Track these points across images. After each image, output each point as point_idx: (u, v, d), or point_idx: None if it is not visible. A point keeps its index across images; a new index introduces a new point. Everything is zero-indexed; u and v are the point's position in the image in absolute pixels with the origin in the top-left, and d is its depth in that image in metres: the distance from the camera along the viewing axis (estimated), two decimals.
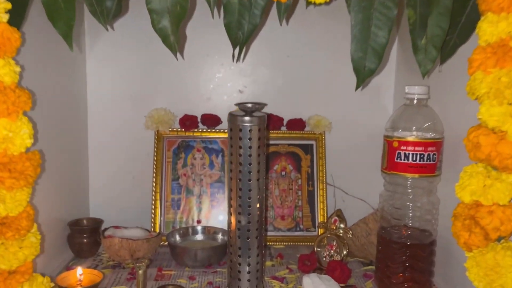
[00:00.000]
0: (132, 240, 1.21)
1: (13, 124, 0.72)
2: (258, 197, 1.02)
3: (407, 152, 1.07)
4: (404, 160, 1.07)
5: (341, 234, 1.23)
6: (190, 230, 1.37)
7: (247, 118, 0.99)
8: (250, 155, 1.00)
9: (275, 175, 1.49)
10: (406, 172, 1.07)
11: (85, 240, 1.28)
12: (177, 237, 1.34)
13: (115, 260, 1.25)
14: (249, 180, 1.01)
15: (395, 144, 1.08)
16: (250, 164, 1.00)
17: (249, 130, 0.99)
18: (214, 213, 1.45)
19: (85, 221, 1.36)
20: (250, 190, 1.01)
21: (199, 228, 1.38)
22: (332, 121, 1.50)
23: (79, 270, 1.02)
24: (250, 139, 0.99)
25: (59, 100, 1.28)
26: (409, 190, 1.10)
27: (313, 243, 1.42)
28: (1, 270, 0.74)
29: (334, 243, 1.24)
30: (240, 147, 1.00)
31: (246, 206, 1.01)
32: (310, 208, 1.47)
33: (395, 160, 1.08)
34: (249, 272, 1.03)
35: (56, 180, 1.25)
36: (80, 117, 1.45)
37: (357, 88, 0.87)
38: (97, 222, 1.35)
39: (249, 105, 1.00)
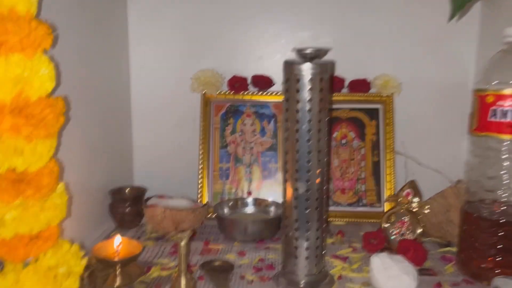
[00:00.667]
0: (176, 210, 1.10)
1: (28, 61, 0.60)
2: (319, 160, 0.87)
3: (504, 109, 0.86)
4: (500, 118, 0.87)
5: (415, 210, 1.05)
6: (240, 202, 1.24)
7: (306, 66, 0.83)
8: (309, 110, 0.84)
9: (334, 143, 1.32)
10: (503, 132, 0.87)
11: (127, 209, 1.18)
12: (226, 209, 1.21)
13: (158, 231, 1.14)
14: (308, 141, 0.85)
15: (490, 99, 0.87)
16: (309, 121, 0.84)
17: (309, 80, 0.83)
18: (266, 185, 1.31)
19: (127, 189, 1.26)
20: (309, 153, 0.85)
21: (249, 200, 1.24)
22: (402, 81, 1.30)
23: (118, 239, 0.92)
24: (311, 89, 0.83)
25: (101, 60, 1.18)
26: (505, 156, 0.89)
27: (377, 221, 1.25)
28: (20, 235, 0.63)
29: (406, 219, 1.06)
30: (298, 101, 0.84)
31: (304, 171, 0.86)
32: (375, 181, 1.29)
33: (489, 119, 0.88)
34: (307, 249, 0.88)
35: (98, 145, 1.15)
36: (122, 78, 1.35)
37: (451, 17, 0.68)
38: (140, 191, 1.25)
39: (309, 50, 0.83)
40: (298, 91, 0.84)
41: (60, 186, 0.70)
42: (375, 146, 1.30)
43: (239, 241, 1.11)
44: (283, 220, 0.91)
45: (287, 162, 0.88)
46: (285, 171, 0.88)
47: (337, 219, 1.27)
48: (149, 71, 1.38)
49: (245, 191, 1.31)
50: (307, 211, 0.87)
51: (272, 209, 1.20)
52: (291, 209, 0.88)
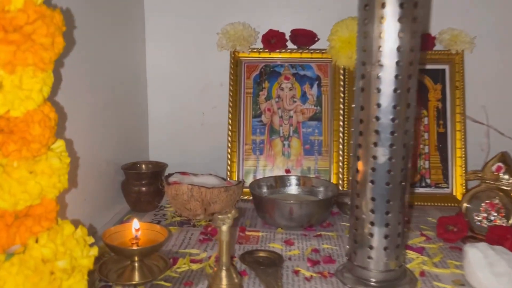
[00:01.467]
0: (205, 188, 0.89)
1: None
2: (407, 118, 0.65)
3: None
4: None
5: (508, 188, 0.83)
6: (280, 180, 1.03)
7: None
8: (399, 49, 0.62)
9: None
10: None
11: (144, 188, 0.97)
12: (264, 189, 1.00)
13: (182, 215, 0.93)
14: (395, 91, 0.63)
15: None
16: (398, 63, 0.62)
17: (401, 4, 0.61)
18: (308, 161, 1.09)
19: (143, 165, 1.05)
20: (395, 107, 0.63)
21: (292, 178, 1.02)
22: (475, 36, 1.08)
23: (135, 224, 0.71)
24: (402, 18, 0.61)
25: (115, 23, 0.96)
26: None
27: (444, 204, 1.03)
28: (1, 211, 0.42)
29: (497, 201, 0.84)
30: (381, 35, 0.62)
31: (387, 132, 0.64)
32: (441, 157, 1.07)
33: None
34: (386, 237, 0.66)
35: (107, 113, 0.94)
36: (136, 30, 1.13)
37: None
38: (159, 166, 1.04)
39: None
40: (382, 18, 0.61)
41: (59, 143, 0.48)
42: (441, 115, 1.08)
43: (283, 227, 0.90)
44: (352, 199, 0.69)
45: (361, 121, 0.66)
46: (359, 134, 0.67)
47: None
48: (168, 25, 1.16)
49: (283, 168, 1.09)
50: (389, 187, 0.65)
51: (321, 189, 0.98)
52: (365, 184, 0.66)
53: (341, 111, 1.09)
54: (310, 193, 1.00)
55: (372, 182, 0.65)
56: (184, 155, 1.19)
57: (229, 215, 0.61)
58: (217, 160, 1.15)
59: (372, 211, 0.66)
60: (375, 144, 0.64)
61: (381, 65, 0.62)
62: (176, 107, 1.19)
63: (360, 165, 0.67)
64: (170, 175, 0.99)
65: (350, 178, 0.71)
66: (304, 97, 1.11)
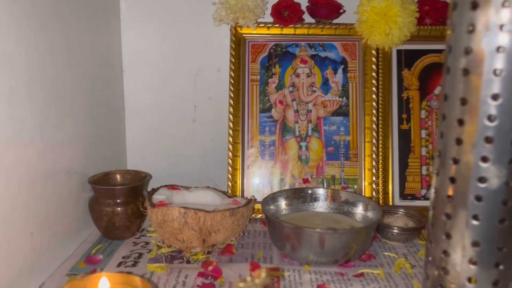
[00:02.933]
0: (204, 211, 0.64)
1: None
2: None
3: None
4: None
5: None
6: (300, 194, 0.78)
7: None
8: None
9: (436, 103, 0.86)
10: None
11: (119, 208, 0.72)
12: (281, 205, 0.76)
13: (171, 245, 0.68)
14: None
15: None
16: None
17: None
18: (332, 167, 0.85)
19: (118, 176, 0.80)
20: None
21: (318, 192, 0.78)
22: None
23: (104, 284, 0.46)
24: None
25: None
26: None
27: None
28: None
29: None
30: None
31: (507, 142, 0.40)
32: None
33: None
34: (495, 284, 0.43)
35: (65, 104, 0.68)
36: (108, 3, 0.87)
37: None
38: (140, 177, 0.79)
39: None
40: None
41: None
42: None
43: (310, 263, 0.66)
44: (434, 241, 0.45)
45: (461, 121, 0.42)
46: (455, 143, 0.43)
47: None
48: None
49: (300, 177, 0.85)
50: (503, 225, 0.41)
51: (358, 208, 0.74)
52: (461, 220, 0.42)
53: (374, 103, 0.85)
54: (342, 212, 0.76)
55: (476, 217, 0.42)
56: (173, 162, 0.94)
57: (256, 281, 0.37)
58: (215, 167, 0.91)
59: (473, 262, 0.42)
60: (485, 160, 0.41)
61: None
62: (161, 100, 0.94)
63: (451, 190, 0.43)
64: (154, 190, 0.74)
65: (431, 209, 0.47)
66: (326, 86, 0.87)
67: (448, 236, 0.44)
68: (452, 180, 0.43)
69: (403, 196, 0.84)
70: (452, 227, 0.43)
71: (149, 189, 0.79)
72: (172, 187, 0.76)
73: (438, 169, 0.45)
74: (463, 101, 0.41)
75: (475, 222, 0.42)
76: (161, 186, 0.75)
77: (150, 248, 0.71)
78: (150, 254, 0.69)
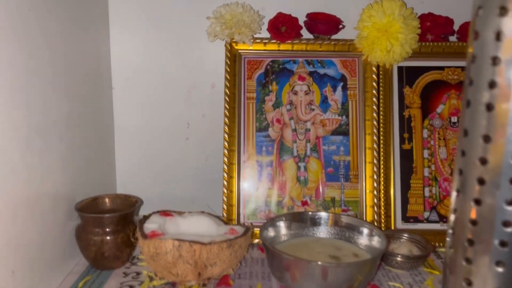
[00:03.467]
0: (200, 243, 0.60)
1: None
2: None
3: None
4: None
5: None
6: (299, 219, 0.75)
7: None
8: None
9: (438, 122, 0.83)
10: None
11: (108, 237, 0.68)
12: (282, 230, 0.72)
13: (164, 278, 0.64)
14: None
15: None
16: None
17: None
18: (332, 189, 0.82)
19: (107, 201, 0.76)
20: None
21: (321, 216, 0.74)
22: None
23: None
24: None
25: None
26: None
27: None
28: None
29: None
30: None
31: None
32: None
33: None
34: None
35: (49, 122, 0.64)
36: (97, 15, 0.82)
37: None
38: (131, 203, 0.75)
39: None
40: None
41: None
42: None
43: None
44: (449, 278, 0.42)
45: (487, 138, 0.38)
46: (479, 181, 0.39)
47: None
48: (137, 8, 0.86)
49: (299, 200, 0.82)
50: None
51: (362, 234, 0.71)
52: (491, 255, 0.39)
53: (375, 122, 0.82)
54: (344, 238, 0.72)
55: (500, 264, 0.38)
56: (165, 182, 0.90)
57: None
58: (209, 187, 0.87)
59: None
60: (510, 203, 0.37)
61: None
62: (152, 117, 0.90)
63: (471, 234, 0.40)
64: (146, 218, 0.69)
65: (448, 248, 0.43)
66: (325, 104, 0.84)
67: (469, 283, 0.40)
68: (473, 222, 0.39)
69: (405, 219, 0.81)
70: (473, 273, 0.40)
71: (141, 213, 0.74)
72: (165, 213, 0.72)
73: (456, 208, 0.41)
74: (486, 139, 0.38)
75: (499, 269, 0.38)
76: (153, 213, 0.71)
77: (141, 280, 0.67)
78: (141, 286, 0.65)
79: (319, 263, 0.60)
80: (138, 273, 0.69)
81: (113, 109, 0.89)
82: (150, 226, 0.66)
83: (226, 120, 0.82)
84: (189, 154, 0.90)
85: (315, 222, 0.74)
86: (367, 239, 0.70)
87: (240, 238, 0.63)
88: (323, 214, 0.74)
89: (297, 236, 0.74)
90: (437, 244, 0.78)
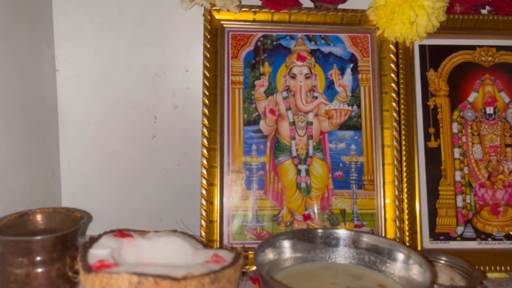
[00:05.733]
0: (172, 279, 0.40)
1: None
2: None
3: None
4: None
5: None
6: (306, 239, 0.56)
7: None
8: None
9: (471, 114, 0.67)
10: None
11: (37, 270, 0.47)
12: (285, 254, 0.53)
13: None
14: None
15: None
16: None
17: None
18: (342, 199, 0.64)
19: (39, 217, 0.55)
20: None
21: (337, 234, 0.55)
22: None
23: None
24: None
25: None
26: None
27: None
28: None
29: None
30: None
31: None
32: None
33: None
34: None
35: None
36: None
37: None
38: (73, 219, 0.55)
39: None
40: None
41: None
42: None
43: None
44: None
45: None
46: None
47: (490, 267, 0.62)
48: None
49: (299, 212, 0.63)
50: None
51: (395, 259, 0.52)
52: None
53: (395, 114, 0.65)
54: (367, 263, 0.54)
55: None
56: (123, 195, 0.69)
57: None
58: (183, 200, 0.67)
59: None
60: None
61: None
62: (108, 109, 0.70)
63: None
64: (93, 241, 0.49)
65: None
66: (331, 90, 0.66)
67: None
68: None
69: (434, 235, 0.64)
70: None
71: (90, 233, 0.54)
72: (121, 233, 0.52)
73: None
74: None
75: None
76: (104, 233, 0.51)
77: None
78: None
79: None
80: None
81: (57, 97, 0.68)
82: (98, 252, 0.46)
83: (205, 110, 0.63)
84: (156, 156, 0.70)
85: (327, 243, 0.55)
86: (400, 267, 0.52)
87: (229, 268, 0.44)
88: (339, 232, 0.55)
89: (303, 261, 0.55)
90: (481, 269, 0.61)
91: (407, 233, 0.63)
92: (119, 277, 0.40)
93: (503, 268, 0.62)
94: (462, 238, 0.64)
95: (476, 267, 0.59)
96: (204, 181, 0.62)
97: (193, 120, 0.68)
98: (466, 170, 0.66)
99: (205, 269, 0.43)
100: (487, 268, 0.62)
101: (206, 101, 0.63)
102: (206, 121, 0.63)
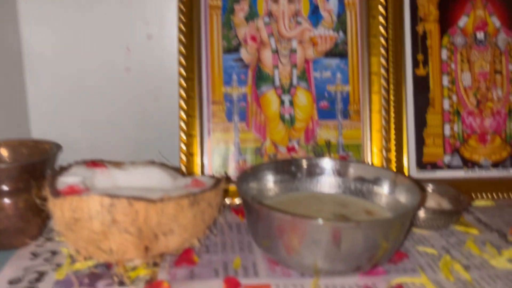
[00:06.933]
0: (146, 200, 0.37)
1: None
2: None
3: None
4: None
5: None
6: (290, 168, 0.54)
7: None
8: None
9: (461, 39, 0.64)
10: None
11: (5, 200, 0.44)
12: (269, 183, 0.51)
13: (93, 257, 0.41)
14: None
15: None
16: None
17: None
18: (327, 129, 0.61)
19: (5, 150, 0.51)
20: None
21: (321, 163, 0.53)
22: None
23: None
24: None
25: None
26: None
27: None
28: None
29: None
30: None
31: None
32: None
33: None
34: None
35: None
36: None
37: None
38: (40, 150, 0.51)
39: None
40: None
41: None
42: None
43: (318, 272, 0.42)
44: None
45: None
46: None
47: (477, 195, 0.61)
48: None
49: (283, 144, 0.61)
50: None
51: (381, 186, 0.51)
52: None
53: (383, 40, 0.62)
54: (354, 191, 0.52)
55: None
56: (98, 129, 0.66)
57: None
58: (161, 134, 0.64)
59: None
60: None
61: None
62: (77, 39, 0.64)
63: None
64: (63, 169, 0.46)
65: None
66: (315, 16, 0.62)
67: None
68: None
69: (420, 165, 0.62)
70: None
71: (59, 165, 0.51)
72: (94, 163, 0.48)
73: None
74: None
75: None
76: (75, 163, 0.48)
77: (58, 262, 0.44)
78: (57, 273, 0.42)
79: (329, 222, 0.40)
80: (54, 253, 0.46)
81: (19, 25, 0.63)
82: (67, 180, 0.43)
83: (181, 37, 0.59)
84: (131, 91, 0.66)
85: (311, 172, 0.53)
86: (387, 192, 0.50)
87: (209, 192, 0.41)
88: (323, 161, 0.53)
89: (287, 191, 0.53)
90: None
91: (393, 164, 0.61)
92: (89, 199, 0.37)
93: (489, 196, 0.62)
94: (449, 167, 0.63)
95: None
96: (182, 113, 0.59)
97: (169, 50, 0.63)
98: (454, 98, 0.63)
99: (184, 192, 0.40)
100: (473, 196, 0.61)
101: (182, 27, 0.59)
102: (182, 49, 0.59)
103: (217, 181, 0.44)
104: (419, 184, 0.49)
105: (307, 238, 0.40)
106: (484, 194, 0.61)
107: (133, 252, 0.39)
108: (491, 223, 0.55)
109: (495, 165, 0.63)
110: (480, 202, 0.61)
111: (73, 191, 0.40)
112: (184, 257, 0.44)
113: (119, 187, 0.45)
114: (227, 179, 0.55)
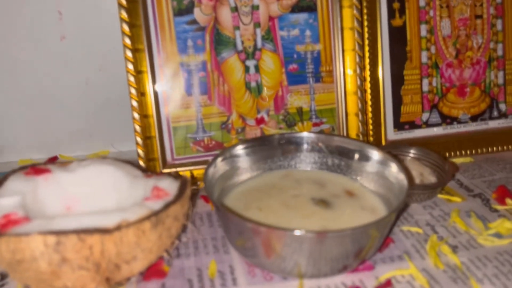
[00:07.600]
0: (101, 232, 0.32)
1: None
2: None
3: None
4: None
5: None
6: (263, 145, 0.48)
7: None
8: None
9: None
10: None
11: None
12: (240, 169, 0.46)
13: None
14: None
15: None
16: None
17: None
18: (298, 96, 0.55)
19: None
20: None
21: (295, 139, 0.48)
22: None
23: None
24: None
25: None
26: None
27: None
28: None
29: None
30: None
31: None
32: None
33: None
34: None
35: None
36: None
37: None
38: None
39: None
40: None
41: None
42: None
43: (302, 276, 0.39)
44: None
45: None
46: None
47: (456, 153, 0.59)
48: None
49: (250, 116, 0.55)
50: None
51: (365, 162, 0.46)
52: None
53: None
54: (333, 168, 0.48)
55: None
56: (37, 114, 0.57)
57: None
58: (109, 116, 0.56)
59: None
60: None
61: None
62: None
63: None
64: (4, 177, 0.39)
65: None
66: None
67: None
68: None
69: (398, 125, 0.58)
70: None
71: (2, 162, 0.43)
72: (35, 169, 0.41)
73: None
74: None
75: None
76: (11, 172, 0.41)
77: None
78: None
79: (308, 234, 0.35)
80: (3, 276, 0.40)
81: None
82: (3, 203, 0.36)
83: (122, 0, 0.49)
84: (70, 63, 0.57)
85: (285, 149, 0.48)
86: (367, 167, 0.46)
87: (174, 205, 0.36)
88: (296, 136, 0.48)
89: (260, 172, 0.48)
90: (446, 155, 0.58)
91: (370, 126, 0.57)
92: (30, 240, 0.31)
93: (468, 152, 0.59)
94: (427, 125, 0.59)
95: (445, 157, 0.55)
96: (133, 91, 0.51)
97: (111, 13, 0.54)
98: (433, 49, 0.58)
99: (144, 211, 0.35)
100: (452, 154, 0.59)
101: None
102: (125, 14, 0.50)
103: (182, 185, 0.39)
104: (396, 156, 0.45)
105: (285, 248, 0.36)
106: (463, 151, 0.59)
107: (93, 285, 0.34)
108: (473, 186, 0.53)
109: (474, 118, 0.60)
110: (459, 160, 0.59)
111: (9, 222, 0.33)
112: (152, 271, 0.39)
113: (69, 194, 0.39)
114: (192, 179, 0.49)
